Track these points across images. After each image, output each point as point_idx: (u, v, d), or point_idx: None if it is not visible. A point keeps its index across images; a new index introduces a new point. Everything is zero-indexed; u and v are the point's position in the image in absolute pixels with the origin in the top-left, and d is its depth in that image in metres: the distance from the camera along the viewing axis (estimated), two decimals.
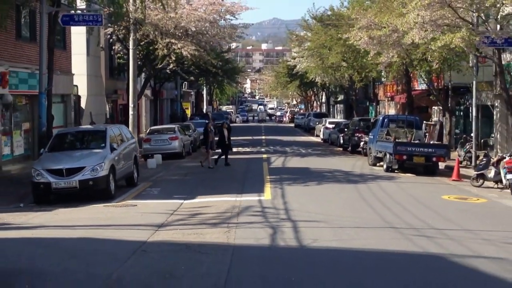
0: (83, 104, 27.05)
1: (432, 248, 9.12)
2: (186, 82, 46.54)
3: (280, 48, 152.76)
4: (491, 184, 16.26)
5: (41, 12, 17.48)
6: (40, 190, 14.15)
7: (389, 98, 36.61)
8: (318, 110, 59.01)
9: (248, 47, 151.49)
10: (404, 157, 18.69)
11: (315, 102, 65.38)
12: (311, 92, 62.81)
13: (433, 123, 25.77)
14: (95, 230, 10.74)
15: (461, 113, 26.34)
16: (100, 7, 18.95)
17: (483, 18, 17.75)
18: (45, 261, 8.43)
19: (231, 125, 27.46)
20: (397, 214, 12.03)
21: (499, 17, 17.08)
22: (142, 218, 11.80)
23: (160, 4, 19.36)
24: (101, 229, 10.82)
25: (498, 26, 17.22)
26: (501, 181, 15.67)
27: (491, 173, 16.05)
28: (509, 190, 15.12)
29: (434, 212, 12.36)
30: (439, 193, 15.04)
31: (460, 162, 19.61)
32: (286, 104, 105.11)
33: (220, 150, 21.94)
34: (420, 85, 29.28)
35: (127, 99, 30.61)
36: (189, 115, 45.50)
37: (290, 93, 71.58)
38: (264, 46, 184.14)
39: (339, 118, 45.00)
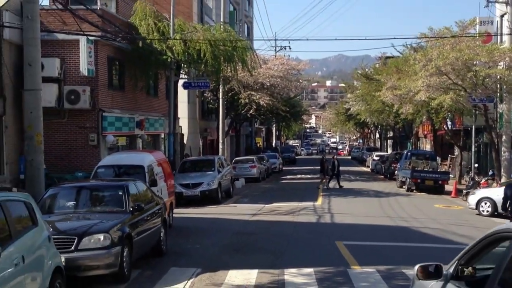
0: (184, 140, 35.98)
1: (404, 224, 16.82)
2: (258, 120, 55.36)
3: (343, 84, 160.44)
4: None
5: (169, 81, 26.30)
6: (176, 197, 22.63)
7: (425, 136, 43.84)
8: (373, 145, 66.41)
9: (313, 84, 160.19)
10: (419, 180, 26.19)
11: (371, 137, 72.95)
12: (367, 129, 70.40)
13: (454, 156, 32.96)
14: (218, 216, 19.03)
15: (476, 149, 33.23)
16: (206, 78, 27.69)
17: (474, 81, 25.07)
18: (204, 225, 16.68)
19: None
20: (396, 212, 19.72)
21: (481, 81, 24.43)
22: (242, 211, 20.01)
23: (247, 71, 27.85)
24: (221, 215, 19.09)
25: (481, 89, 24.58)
26: None
27: None
28: None
29: (421, 212, 19.91)
30: (434, 203, 22.51)
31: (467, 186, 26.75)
32: (347, 139, 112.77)
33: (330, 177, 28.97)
34: (451, 126, 36.34)
35: (215, 136, 39.50)
36: (261, 149, 54.17)
37: (349, 129, 79.25)
38: (328, 83, 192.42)
39: (389, 152, 52.19)
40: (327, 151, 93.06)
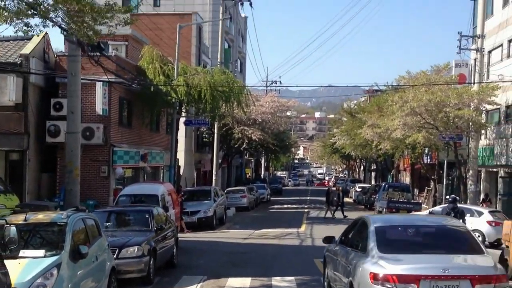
0: (181, 171, 38.78)
1: None
2: (248, 153, 58.48)
3: (332, 116, 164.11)
4: None
5: (172, 118, 29.27)
6: None
7: (404, 169, 47.21)
8: (358, 177, 69.74)
9: (302, 115, 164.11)
10: (393, 210, 29.23)
11: (355, 169, 76.39)
12: (352, 161, 73.82)
13: (430, 188, 36.19)
14: (215, 239, 21.87)
15: (450, 182, 36.41)
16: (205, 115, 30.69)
17: (445, 121, 28.07)
18: (203, 246, 19.50)
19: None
20: None
21: (452, 121, 27.59)
22: (235, 236, 22.87)
23: (242, 110, 30.87)
24: (217, 239, 21.94)
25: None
26: None
27: None
28: None
29: None
30: None
31: None
32: (334, 170, 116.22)
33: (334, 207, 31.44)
34: (427, 160, 39.55)
35: (208, 167, 42.36)
36: (250, 179, 57.14)
37: (335, 161, 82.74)
38: (317, 114, 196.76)
39: (372, 183, 55.33)
40: (314, 181, 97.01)
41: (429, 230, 8.80)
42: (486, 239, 20.80)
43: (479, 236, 20.61)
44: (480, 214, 21.50)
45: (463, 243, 8.35)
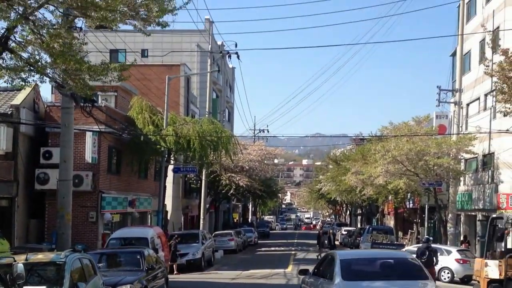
0: (168, 216, 39.29)
1: None
2: (235, 198, 59.15)
3: (319, 163, 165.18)
4: None
5: (160, 166, 30.02)
6: None
7: (388, 213, 48.29)
8: (344, 221, 70.62)
9: (290, 162, 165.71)
10: None
11: (342, 214, 77.37)
12: (338, 206, 74.81)
13: (413, 231, 37.16)
14: (204, 280, 22.43)
15: (431, 225, 37.39)
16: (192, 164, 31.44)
17: (425, 168, 29.14)
18: (193, 286, 20.11)
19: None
20: None
21: (431, 168, 28.70)
22: (223, 276, 23.44)
23: (229, 158, 31.72)
24: (206, 279, 22.50)
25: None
26: None
27: None
28: None
29: None
30: None
31: None
32: (321, 215, 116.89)
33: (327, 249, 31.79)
34: (410, 204, 40.64)
35: (196, 212, 42.90)
36: (238, 224, 57.66)
37: (321, 206, 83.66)
38: (305, 161, 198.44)
39: (358, 227, 56.05)
40: (301, 224, 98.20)
41: (386, 262, 10.33)
42: (455, 275, 21.83)
43: (448, 273, 21.97)
44: (449, 252, 22.71)
45: (413, 272, 9.90)
